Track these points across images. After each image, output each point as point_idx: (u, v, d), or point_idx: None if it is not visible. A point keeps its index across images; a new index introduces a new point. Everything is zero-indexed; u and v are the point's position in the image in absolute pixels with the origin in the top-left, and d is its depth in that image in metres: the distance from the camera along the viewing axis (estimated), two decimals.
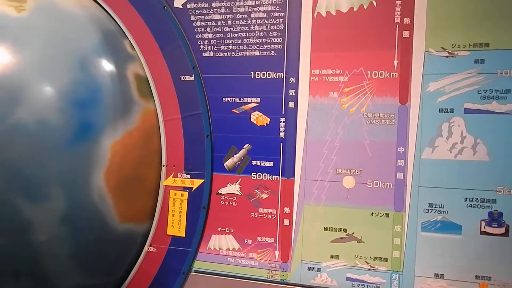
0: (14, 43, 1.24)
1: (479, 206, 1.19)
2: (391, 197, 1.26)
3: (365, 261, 1.28)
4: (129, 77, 1.41)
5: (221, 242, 1.41)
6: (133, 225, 1.42)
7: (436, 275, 1.23)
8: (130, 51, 1.44)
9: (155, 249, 1.45)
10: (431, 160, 1.22)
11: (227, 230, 1.40)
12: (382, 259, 1.27)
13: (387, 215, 1.26)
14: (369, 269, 1.28)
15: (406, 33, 1.23)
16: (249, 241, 1.38)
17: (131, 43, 1.45)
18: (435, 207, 1.22)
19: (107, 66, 1.36)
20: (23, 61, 1.23)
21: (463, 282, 1.20)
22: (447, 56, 1.20)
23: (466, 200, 1.20)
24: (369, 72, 1.27)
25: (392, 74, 1.25)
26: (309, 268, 1.33)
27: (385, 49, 1.25)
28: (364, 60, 1.27)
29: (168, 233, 1.44)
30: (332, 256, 1.31)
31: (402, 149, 1.24)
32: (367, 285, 1.28)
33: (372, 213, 1.27)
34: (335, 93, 1.30)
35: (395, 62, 1.24)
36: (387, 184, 1.26)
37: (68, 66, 1.28)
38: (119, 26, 1.44)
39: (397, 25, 1.24)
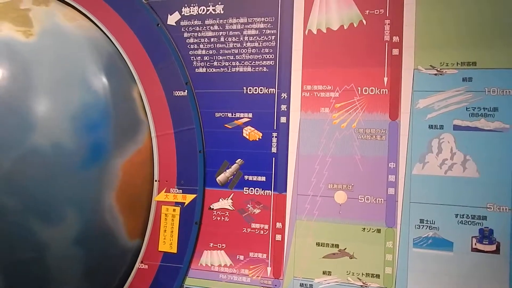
0: (25, 68, 1.29)
1: (470, 222, 1.24)
2: (382, 213, 1.31)
3: (358, 277, 1.32)
4: (134, 97, 1.49)
5: (213, 258, 1.45)
6: (140, 242, 1.50)
7: None
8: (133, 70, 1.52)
9: (146, 265, 1.49)
10: (422, 176, 1.28)
11: (219, 245, 1.45)
12: (374, 275, 1.31)
13: (379, 230, 1.31)
14: (361, 286, 1.32)
15: (395, 51, 1.30)
16: (241, 257, 1.42)
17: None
18: (427, 223, 1.27)
19: (114, 87, 1.44)
20: (35, 86, 1.29)
21: None
22: (435, 74, 1.26)
23: (457, 217, 1.25)
24: (359, 88, 1.33)
25: (382, 91, 1.31)
26: (301, 285, 1.37)
27: (375, 66, 1.31)
28: (355, 76, 1.33)
29: (159, 249, 1.48)
30: (324, 272, 1.35)
31: (393, 165, 1.30)
32: None
33: (364, 229, 1.32)
34: (327, 108, 1.36)
35: (385, 79, 1.30)
36: (378, 200, 1.31)
37: (77, 89, 1.35)
38: (113, 43, 1.51)
39: (386, 43, 1.31)
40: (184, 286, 1.46)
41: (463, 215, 1.24)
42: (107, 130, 1.40)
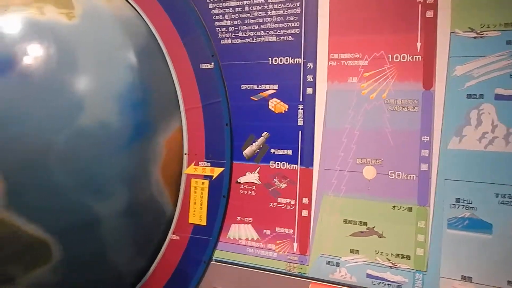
0: (70, 50, 1.38)
1: None
2: (414, 190, 1.25)
3: (387, 258, 1.29)
4: (172, 75, 1.55)
5: (240, 231, 1.49)
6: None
7: (464, 278, 1.20)
8: None
9: (178, 237, 1.57)
10: (458, 150, 1.20)
11: (246, 219, 1.48)
12: (405, 256, 1.27)
13: (410, 209, 1.26)
14: (391, 266, 1.28)
15: (429, 13, 1.21)
16: (268, 232, 1.45)
17: None
18: (463, 202, 1.20)
19: (152, 65, 1.52)
20: (80, 67, 1.37)
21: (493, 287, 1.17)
22: (475, 37, 1.16)
23: (497, 196, 1.16)
24: (390, 55, 1.26)
25: (415, 57, 1.23)
26: (328, 262, 1.36)
27: (407, 31, 1.24)
28: (385, 43, 1.27)
29: (190, 222, 1.55)
30: (351, 251, 1.33)
31: (427, 138, 1.23)
32: (388, 284, 1.29)
33: (394, 207, 1.28)
34: (355, 78, 1.31)
35: (418, 44, 1.22)
36: (410, 176, 1.26)
37: (119, 69, 1.43)
38: (143, 19, 1.57)
39: (419, 5, 1.22)
40: (213, 258, 1.52)
41: (504, 194, 1.15)
42: (150, 108, 1.48)
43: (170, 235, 1.58)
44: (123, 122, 1.40)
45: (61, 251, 1.37)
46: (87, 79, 1.38)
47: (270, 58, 1.42)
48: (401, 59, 1.25)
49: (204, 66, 1.51)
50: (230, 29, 1.47)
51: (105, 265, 1.51)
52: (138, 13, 1.58)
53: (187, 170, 1.55)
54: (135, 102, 1.44)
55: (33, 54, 1.33)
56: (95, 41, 1.43)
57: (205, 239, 1.53)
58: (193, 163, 1.55)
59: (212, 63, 1.49)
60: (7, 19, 1.36)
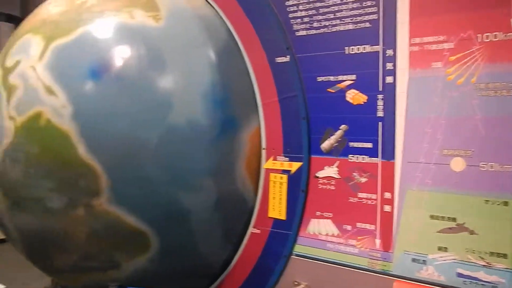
0: (158, 51, 1.47)
1: None
2: (510, 182, 1.14)
3: (479, 256, 1.19)
4: (249, 71, 1.60)
5: (320, 226, 1.48)
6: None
7: None
8: None
9: (259, 230, 1.60)
10: None
11: (326, 214, 1.46)
12: (500, 255, 1.16)
13: (505, 203, 1.15)
14: (484, 265, 1.19)
15: None
16: (348, 227, 1.42)
17: None
18: None
19: (232, 62, 1.57)
20: (168, 67, 1.47)
21: None
22: None
23: None
24: (479, 35, 1.16)
25: (509, 35, 1.12)
26: (414, 260, 1.30)
27: (498, 6, 1.13)
28: (473, 21, 1.17)
29: (269, 216, 1.57)
30: (439, 248, 1.26)
31: None
32: (482, 284, 1.19)
33: (487, 201, 1.18)
34: (439, 63, 1.23)
35: None
36: (505, 167, 1.15)
37: (204, 68, 1.51)
38: (219, 15, 1.61)
39: None
40: (294, 252, 1.52)
41: None
42: (232, 105, 1.54)
43: (251, 229, 1.61)
44: (209, 119, 1.47)
45: (158, 241, 1.48)
46: (175, 78, 1.46)
47: (346, 48, 1.38)
48: (492, 38, 1.15)
49: (280, 59, 1.51)
50: (305, 20, 1.46)
51: (195, 255, 1.60)
52: (215, 10, 1.63)
53: (266, 164, 1.57)
54: (219, 99, 1.50)
55: (126, 57, 1.44)
56: (180, 41, 1.51)
57: (285, 234, 1.54)
58: (271, 158, 1.56)
59: (288, 56, 1.49)
60: (102, 24, 1.48)
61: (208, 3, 1.65)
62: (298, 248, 1.52)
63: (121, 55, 1.43)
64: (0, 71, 1.54)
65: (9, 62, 1.52)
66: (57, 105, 1.37)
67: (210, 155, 1.48)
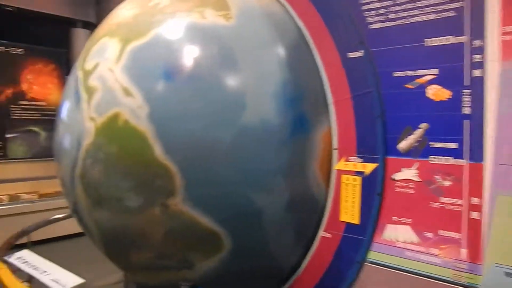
0: (230, 50, 1.47)
1: None
2: None
3: None
4: (319, 67, 1.54)
5: (397, 233, 1.38)
6: None
7: None
8: None
9: (330, 235, 1.53)
10: None
11: (404, 220, 1.36)
12: None
13: None
14: None
15: None
16: (429, 235, 1.31)
17: None
18: None
19: (303, 60, 1.53)
20: (240, 66, 1.46)
21: None
22: None
23: None
24: None
25: None
26: (507, 274, 1.17)
27: None
28: None
29: (341, 219, 1.50)
30: None
31: None
32: None
33: None
34: None
35: None
36: None
37: (275, 66, 1.48)
38: (288, 10, 1.56)
39: None
40: (368, 259, 1.44)
41: None
42: (304, 103, 1.50)
43: (321, 232, 1.55)
44: (281, 119, 1.44)
45: (231, 242, 1.47)
46: (247, 77, 1.44)
47: (426, 40, 1.28)
48: None
49: (352, 54, 1.44)
50: (380, 11, 1.37)
51: (266, 257, 1.58)
52: (284, 7, 1.58)
53: (338, 165, 1.50)
54: (291, 98, 1.46)
55: (198, 57, 1.45)
56: (251, 40, 1.50)
57: (358, 239, 1.46)
58: (343, 158, 1.49)
59: (361, 51, 1.41)
60: (175, 25, 1.51)
61: (278, 0, 1.60)
62: (372, 255, 1.44)
63: (193, 56, 1.44)
64: (80, 74, 1.61)
65: (88, 65, 1.59)
66: (134, 106, 1.40)
67: (282, 155, 1.45)
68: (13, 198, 5.53)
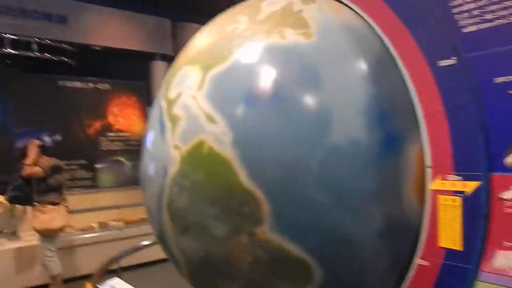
0: (312, 68, 1.43)
1: None
2: None
3: None
4: (406, 79, 1.43)
5: (510, 260, 1.21)
6: None
7: None
8: None
9: (428, 262, 1.39)
10: None
11: None
12: None
13: None
14: None
15: None
16: None
17: None
18: None
19: (388, 73, 1.44)
20: (324, 84, 1.41)
21: None
22: None
23: None
24: None
25: None
26: None
27: None
28: None
29: (440, 245, 1.35)
30: None
31: None
32: None
33: None
34: None
35: None
36: None
37: (360, 82, 1.41)
38: (365, 19, 1.49)
39: None
40: None
41: None
42: (394, 120, 1.40)
43: (417, 260, 1.41)
44: (372, 136, 1.36)
45: (322, 271, 1.40)
46: (332, 95, 1.39)
47: None
48: None
49: (443, 62, 1.31)
50: (474, 12, 1.25)
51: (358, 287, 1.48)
52: (365, 20, 1.50)
53: (433, 185, 1.37)
54: (379, 114, 1.38)
55: (280, 78, 1.42)
56: (333, 56, 1.45)
57: (462, 268, 1.30)
58: (439, 177, 1.35)
59: (454, 58, 1.29)
60: (254, 48, 1.50)
61: (356, 13, 1.53)
62: (481, 286, 1.27)
63: (275, 77, 1.42)
64: (164, 104, 1.64)
65: (171, 94, 1.62)
66: (218, 132, 1.39)
67: (374, 176, 1.36)
68: (102, 226, 5.87)
